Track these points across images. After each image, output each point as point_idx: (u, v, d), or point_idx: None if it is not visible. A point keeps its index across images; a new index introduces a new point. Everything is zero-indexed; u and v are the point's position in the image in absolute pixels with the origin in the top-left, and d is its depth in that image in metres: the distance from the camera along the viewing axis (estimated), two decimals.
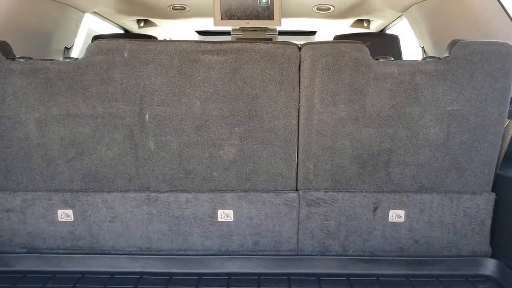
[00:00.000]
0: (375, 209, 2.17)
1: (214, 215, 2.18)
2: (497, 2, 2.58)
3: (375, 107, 2.03)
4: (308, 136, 2.09)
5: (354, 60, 1.98)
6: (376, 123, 2.05)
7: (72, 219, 2.19)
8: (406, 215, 2.17)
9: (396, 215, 2.17)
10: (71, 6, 3.18)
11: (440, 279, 2.13)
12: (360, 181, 2.15)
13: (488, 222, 2.17)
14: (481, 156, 2.09)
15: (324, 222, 2.19)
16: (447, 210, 2.16)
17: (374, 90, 2.01)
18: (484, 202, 2.15)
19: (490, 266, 2.17)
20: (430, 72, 1.98)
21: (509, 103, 2.03)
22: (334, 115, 2.04)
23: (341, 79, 2.00)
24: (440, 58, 2.00)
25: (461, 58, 1.97)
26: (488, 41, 1.96)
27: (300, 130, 2.09)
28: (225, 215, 2.18)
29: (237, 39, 3.64)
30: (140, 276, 2.16)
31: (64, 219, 2.19)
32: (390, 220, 2.18)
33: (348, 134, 2.07)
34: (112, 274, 2.18)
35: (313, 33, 4.89)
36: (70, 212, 2.18)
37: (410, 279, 2.14)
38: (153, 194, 2.17)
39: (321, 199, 2.16)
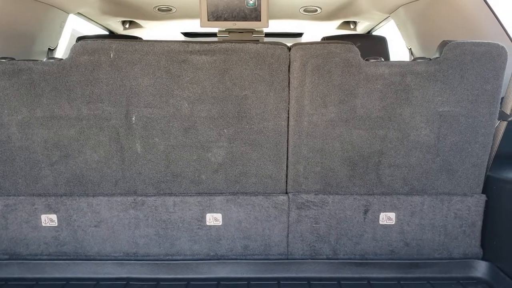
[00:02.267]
0: (365, 212, 2.15)
1: (203, 219, 2.14)
2: (484, 2, 2.58)
3: (366, 109, 2.01)
4: (298, 138, 2.06)
5: (344, 60, 1.95)
6: (367, 124, 2.03)
7: (56, 224, 2.13)
8: (397, 217, 2.15)
9: (387, 218, 2.15)
10: (55, 7, 3.11)
11: (431, 281, 2.12)
12: (350, 184, 2.13)
13: (479, 224, 2.16)
14: (471, 158, 2.08)
15: (314, 225, 2.16)
16: (438, 212, 2.14)
17: (364, 91, 1.98)
18: (475, 203, 2.14)
19: (481, 268, 2.16)
20: (421, 73, 1.97)
21: (499, 104, 2.03)
22: (324, 116, 2.02)
23: (331, 80, 1.97)
24: (430, 59, 1.99)
25: (452, 59, 1.96)
26: (479, 42, 1.95)
27: (290, 132, 2.06)
28: (213, 218, 2.14)
29: (224, 41, 3.60)
30: (127, 282, 2.10)
31: (48, 224, 2.13)
32: (380, 222, 2.16)
33: (338, 136, 2.05)
34: (98, 280, 2.12)
35: (299, 35, 4.88)
36: (54, 216, 2.12)
37: (401, 282, 2.12)
38: (139, 198, 2.12)
39: (311, 202, 2.13)
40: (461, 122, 2.02)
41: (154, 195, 2.13)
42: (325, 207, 2.14)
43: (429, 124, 2.03)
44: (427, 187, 2.13)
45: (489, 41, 1.96)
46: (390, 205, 2.14)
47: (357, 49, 1.97)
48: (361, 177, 2.11)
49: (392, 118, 2.02)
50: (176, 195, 2.13)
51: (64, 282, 2.10)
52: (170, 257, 2.18)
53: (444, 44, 1.98)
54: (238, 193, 2.14)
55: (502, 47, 1.95)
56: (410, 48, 3.59)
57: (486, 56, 1.94)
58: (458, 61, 1.95)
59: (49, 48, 3.30)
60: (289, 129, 2.06)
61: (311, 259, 2.19)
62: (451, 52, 1.96)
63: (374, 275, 2.16)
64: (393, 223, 2.15)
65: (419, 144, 2.05)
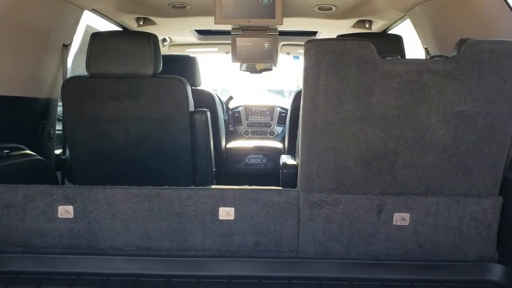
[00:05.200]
0: (379, 212, 2.12)
1: (215, 212, 2.13)
2: (503, 1, 2.53)
3: (381, 107, 1.98)
4: (311, 136, 2.03)
5: (360, 58, 1.92)
6: (382, 123, 2.00)
7: (72, 216, 2.13)
8: (411, 218, 2.12)
9: (401, 218, 2.12)
10: (70, 3, 3.12)
11: (445, 284, 2.08)
12: (364, 183, 2.10)
13: (495, 226, 2.12)
14: (488, 158, 2.03)
15: (326, 224, 2.13)
16: (453, 214, 2.10)
17: (380, 89, 1.95)
18: (491, 205, 2.10)
19: (496, 272, 2.11)
20: (438, 71, 1.93)
21: None
22: (338, 114, 1.99)
23: (346, 77, 1.94)
24: (448, 57, 1.95)
25: (470, 57, 1.92)
26: (498, 40, 1.91)
27: (303, 130, 2.04)
28: (226, 213, 2.13)
29: (237, 39, 3.59)
30: (137, 278, 2.10)
31: (64, 216, 2.13)
32: (394, 223, 2.12)
33: (353, 134, 2.02)
34: (109, 275, 2.11)
35: (314, 33, 4.84)
36: (70, 208, 2.12)
37: (414, 284, 2.08)
38: (155, 190, 2.12)
39: (324, 201, 2.11)
40: (479, 122, 1.98)
41: (169, 187, 2.13)
42: (338, 206, 2.11)
43: (446, 123, 1.99)
44: (442, 187, 2.09)
45: (509, 39, 1.91)
46: (404, 206, 2.10)
47: (373, 46, 1.94)
48: (375, 177, 2.08)
49: (408, 117, 1.99)
50: (190, 188, 2.13)
51: (75, 277, 2.10)
52: (181, 253, 2.17)
53: (462, 42, 1.95)
54: (250, 187, 2.15)
55: None
56: (426, 48, 3.54)
57: (505, 55, 1.90)
58: (476, 59, 1.91)
59: (63, 44, 3.31)
60: (303, 127, 2.04)
61: (323, 258, 2.17)
62: (469, 50, 1.92)
63: (387, 276, 2.13)
64: (407, 223, 2.12)
65: (435, 143, 2.02)
